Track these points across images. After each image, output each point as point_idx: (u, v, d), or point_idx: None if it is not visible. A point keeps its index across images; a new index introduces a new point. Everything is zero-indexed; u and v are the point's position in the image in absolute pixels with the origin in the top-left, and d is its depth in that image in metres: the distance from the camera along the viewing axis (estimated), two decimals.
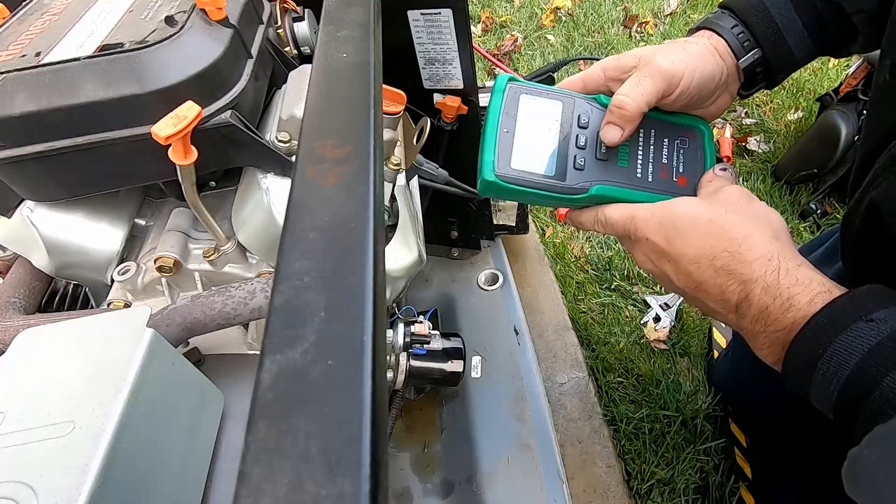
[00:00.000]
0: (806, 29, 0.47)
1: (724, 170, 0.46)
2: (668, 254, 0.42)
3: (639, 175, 0.47)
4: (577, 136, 0.47)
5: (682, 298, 1.28)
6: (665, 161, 0.48)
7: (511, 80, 0.48)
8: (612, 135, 0.46)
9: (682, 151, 0.48)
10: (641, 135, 0.48)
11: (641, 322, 1.27)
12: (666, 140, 0.48)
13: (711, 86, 0.47)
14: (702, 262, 0.40)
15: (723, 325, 1.20)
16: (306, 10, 0.67)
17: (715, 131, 1.71)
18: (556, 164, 0.46)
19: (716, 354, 1.16)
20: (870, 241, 0.46)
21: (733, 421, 1.07)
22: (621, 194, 0.46)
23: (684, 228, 0.41)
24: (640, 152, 0.48)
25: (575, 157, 0.46)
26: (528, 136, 0.47)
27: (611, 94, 0.48)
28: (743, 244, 0.39)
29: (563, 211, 1.50)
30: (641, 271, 1.37)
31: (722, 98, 0.50)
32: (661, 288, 1.34)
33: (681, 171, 0.48)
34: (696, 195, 0.46)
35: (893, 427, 0.29)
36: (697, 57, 0.46)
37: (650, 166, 0.47)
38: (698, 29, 0.50)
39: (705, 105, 0.49)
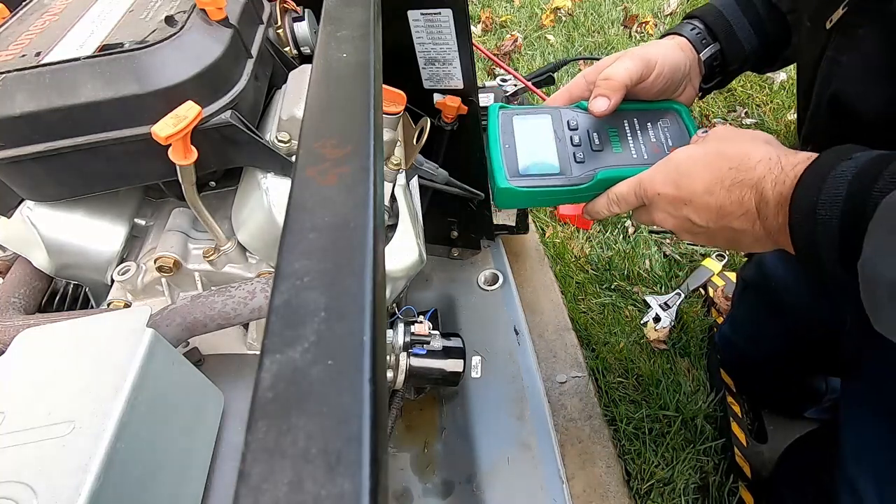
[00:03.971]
0: (751, 26, 0.56)
1: (706, 131, 0.49)
2: (682, 197, 0.44)
3: (634, 155, 0.51)
4: (570, 137, 0.52)
5: (681, 298, 1.28)
6: (654, 140, 0.52)
7: (501, 107, 0.54)
8: (600, 104, 0.51)
9: (666, 129, 0.53)
10: (626, 124, 0.53)
11: (641, 322, 1.27)
12: (649, 123, 0.54)
13: (680, 74, 0.55)
14: (714, 190, 0.42)
15: (721, 307, 1.20)
16: (306, 10, 0.67)
17: None
18: (559, 163, 0.51)
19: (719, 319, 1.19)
20: (836, 132, 0.49)
21: (733, 382, 1.10)
22: (624, 173, 0.49)
23: (688, 169, 0.44)
24: (629, 137, 0.52)
25: (574, 153, 0.51)
26: (529, 146, 0.52)
27: None
28: (743, 157, 0.41)
29: (562, 210, 1.50)
30: (642, 271, 1.37)
31: (688, 90, 0.57)
32: (661, 288, 1.35)
33: (670, 144, 0.52)
34: None
35: (880, 213, 0.32)
36: (666, 48, 0.55)
37: (642, 147, 0.52)
38: (663, 37, 0.58)
39: (675, 95, 0.56)
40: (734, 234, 0.43)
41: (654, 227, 1.45)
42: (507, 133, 0.52)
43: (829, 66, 0.48)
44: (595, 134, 0.52)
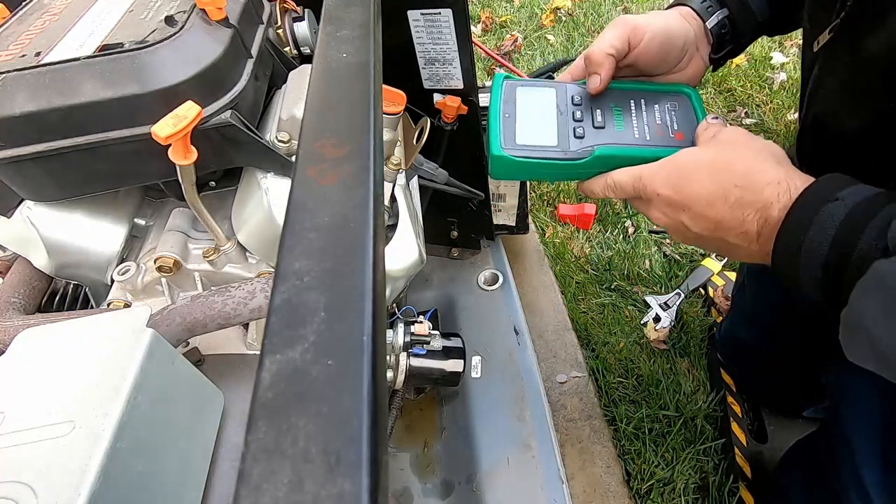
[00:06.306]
0: None
1: (716, 118, 0.47)
2: (681, 202, 0.43)
3: (636, 135, 0.49)
4: (573, 112, 0.51)
5: (681, 298, 1.28)
6: (659, 122, 0.50)
7: (507, 77, 0.53)
8: (593, 81, 0.50)
9: (673, 112, 0.51)
10: (632, 103, 0.51)
11: (641, 322, 1.27)
12: (656, 105, 0.52)
13: (679, 43, 0.52)
14: (716, 203, 0.41)
15: (721, 307, 1.20)
16: (306, 10, 0.67)
17: None
18: (557, 136, 0.49)
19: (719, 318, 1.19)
20: (818, 150, 0.51)
21: (733, 382, 1.10)
22: (623, 152, 0.48)
23: (691, 174, 0.43)
24: (633, 117, 0.51)
25: (574, 128, 0.50)
26: (528, 117, 0.51)
27: None
28: (751, 176, 0.40)
29: (562, 210, 1.50)
30: (642, 271, 1.37)
31: (694, 61, 0.54)
32: (661, 288, 1.35)
33: (675, 128, 0.50)
34: (693, 145, 0.48)
35: (870, 276, 0.32)
36: (663, 17, 0.52)
37: (646, 127, 0.50)
38: (667, 8, 0.55)
39: (678, 67, 0.54)
40: (728, 245, 0.43)
41: (655, 227, 1.45)
42: (509, 103, 0.51)
43: (816, 83, 0.48)
44: (598, 110, 0.51)
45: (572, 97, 0.52)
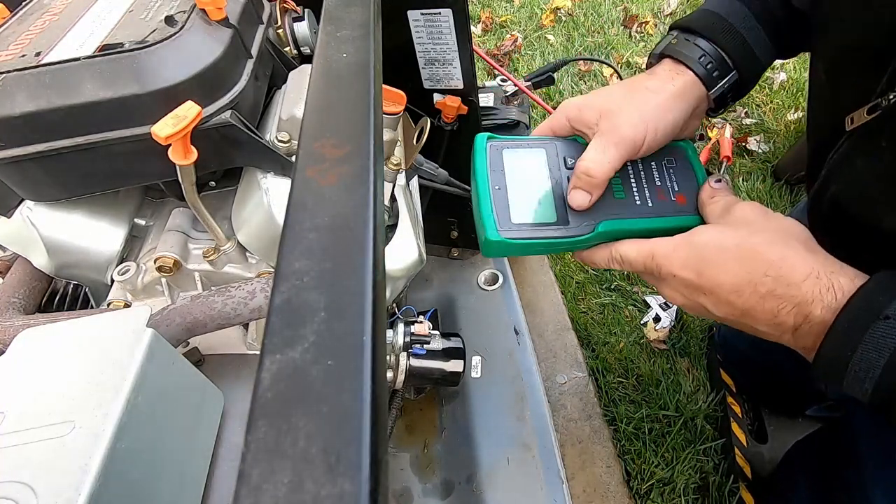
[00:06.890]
0: (767, 36, 0.49)
1: (719, 181, 0.46)
2: (702, 286, 0.41)
3: (638, 203, 0.47)
4: (567, 178, 0.47)
5: None
6: (659, 184, 0.48)
7: (490, 138, 0.49)
8: (580, 199, 0.45)
9: (671, 171, 0.49)
10: (629, 165, 0.48)
11: (641, 322, 1.27)
12: (653, 164, 0.49)
13: (678, 128, 0.48)
14: (744, 291, 0.39)
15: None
16: (306, 10, 0.67)
17: (715, 131, 1.71)
18: (555, 210, 0.46)
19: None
20: (837, 227, 0.49)
21: (733, 383, 1.10)
22: (627, 225, 0.46)
23: (713, 259, 0.40)
24: (632, 181, 0.48)
25: None
26: (521, 189, 0.46)
27: (584, 136, 0.49)
28: (783, 266, 0.37)
29: None
30: None
31: (692, 124, 0.51)
32: None
33: (677, 189, 0.48)
34: (698, 212, 0.46)
35: None
36: (662, 110, 0.46)
37: (646, 192, 0.47)
38: (661, 57, 0.50)
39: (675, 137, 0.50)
40: (755, 331, 0.41)
41: None
42: (497, 171, 0.47)
43: (841, 161, 0.45)
44: None
45: (564, 159, 0.48)
